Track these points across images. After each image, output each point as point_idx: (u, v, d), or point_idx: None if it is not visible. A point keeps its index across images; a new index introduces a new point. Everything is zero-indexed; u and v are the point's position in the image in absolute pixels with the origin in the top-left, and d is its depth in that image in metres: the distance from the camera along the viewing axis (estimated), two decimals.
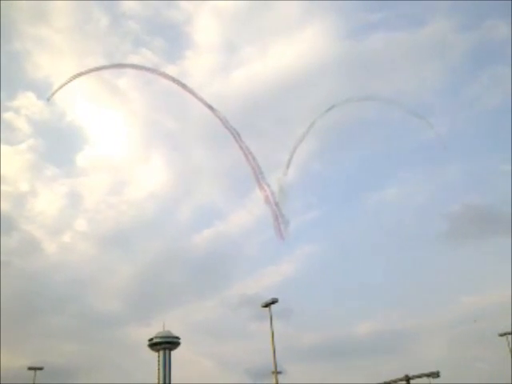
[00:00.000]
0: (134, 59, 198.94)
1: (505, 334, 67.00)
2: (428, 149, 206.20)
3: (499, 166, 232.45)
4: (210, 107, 61.15)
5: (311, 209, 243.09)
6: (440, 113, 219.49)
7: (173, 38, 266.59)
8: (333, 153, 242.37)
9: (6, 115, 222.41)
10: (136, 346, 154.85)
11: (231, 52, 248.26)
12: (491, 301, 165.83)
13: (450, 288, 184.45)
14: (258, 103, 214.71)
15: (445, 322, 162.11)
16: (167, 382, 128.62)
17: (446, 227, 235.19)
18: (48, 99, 60.77)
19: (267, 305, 43.41)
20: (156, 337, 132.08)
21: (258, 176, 62.08)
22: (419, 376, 54.59)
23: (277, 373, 43.12)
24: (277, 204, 62.18)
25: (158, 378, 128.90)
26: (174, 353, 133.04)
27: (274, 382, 42.71)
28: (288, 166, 67.37)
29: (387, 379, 57.20)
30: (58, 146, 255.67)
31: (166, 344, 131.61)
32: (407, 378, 54.21)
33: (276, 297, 43.07)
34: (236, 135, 61.51)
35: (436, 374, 52.88)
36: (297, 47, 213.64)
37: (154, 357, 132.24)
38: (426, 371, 54.21)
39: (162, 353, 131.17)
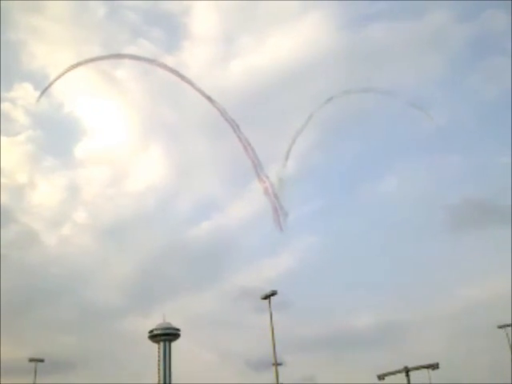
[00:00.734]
0: (131, 50, 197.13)
1: (503, 326, 67.09)
2: (427, 140, 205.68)
3: (498, 157, 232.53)
4: (209, 98, 60.63)
5: (310, 200, 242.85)
6: (439, 104, 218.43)
7: (170, 28, 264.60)
8: (332, 144, 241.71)
9: (3, 106, 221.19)
10: (135, 338, 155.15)
11: (229, 43, 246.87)
12: (490, 292, 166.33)
13: (449, 280, 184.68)
14: (256, 94, 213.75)
15: (444, 313, 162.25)
16: (167, 373, 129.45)
17: (446, 219, 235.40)
18: (37, 100, 58.95)
19: (267, 297, 43.45)
20: (156, 328, 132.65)
21: (257, 168, 61.75)
22: (418, 368, 54.77)
23: (277, 364, 43.13)
24: (276, 196, 61.95)
25: (159, 370, 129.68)
26: (174, 344, 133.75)
27: (274, 373, 42.73)
28: (287, 158, 67.04)
29: (387, 371, 57.31)
30: (56, 137, 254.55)
31: (166, 336, 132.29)
32: (406, 370, 54.41)
33: (276, 288, 43.20)
34: (235, 126, 61.10)
35: (435, 366, 52.99)
36: (295, 38, 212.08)
37: (153, 348, 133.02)
38: (426, 363, 54.32)
39: (162, 344, 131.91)
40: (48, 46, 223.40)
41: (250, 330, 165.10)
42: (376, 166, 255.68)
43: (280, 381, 43.69)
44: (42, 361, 63.83)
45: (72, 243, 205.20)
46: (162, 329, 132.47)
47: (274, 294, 42.99)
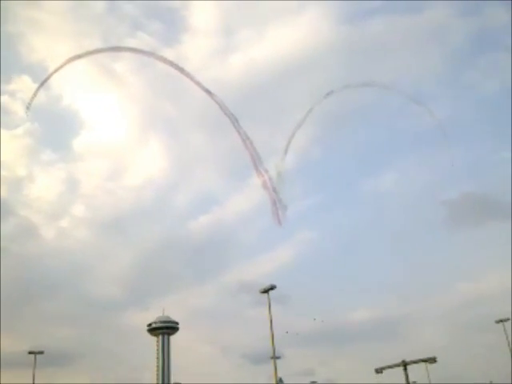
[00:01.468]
0: (130, 43, 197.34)
1: (501, 321, 67.29)
2: (427, 135, 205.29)
3: (498, 152, 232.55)
4: (208, 92, 60.31)
5: (309, 195, 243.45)
6: (439, 99, 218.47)
7: (170, 21, 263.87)
8: (331, 139, 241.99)
9: (2, 99, 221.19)
10: (134, 331, 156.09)
11: (229, 36, 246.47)
12: (489, 287, 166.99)
13: (448, 274, 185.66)
14: (255, 88, 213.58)
15: (443, 308, 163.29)
16: (166, 366, 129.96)
17: (445, 214, 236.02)
18: (27, 108, 57.28)
19: (265, 291, 43.33)
20: (155, 322, 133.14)
21: (256, 161, 61.48)
22: (416, 361, 54.88)
23: (275, 358, 43.14)
24: (275, 189, 61.74)
25: (158, 362, 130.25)
26: (172, 338, 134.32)
27: (273, 367, 42.74)
28: (286, 152, 66.78)
29: (384, 364, 57.46)
30: (55, 130, 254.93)
31: (165, 329, 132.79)
32: (404, 364, 54.48)
33: (274, 282, 43.05)
34: (234, 120, 60.83)
35: (433, 360, 53.11)
36: (295, 32, 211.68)
37: (152, 342, 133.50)
38: (423, 357, 54.44)
39: (161, 338, 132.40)
40: (47, 39, 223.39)
41: (248, 324, 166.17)
42: (375, 160, 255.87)
43: (278, 374, 43.76)
44: (41, 353, 63.84)
45: (71, 236, 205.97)
46: (160, 322, 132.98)
47: (272, 288, 42.89)
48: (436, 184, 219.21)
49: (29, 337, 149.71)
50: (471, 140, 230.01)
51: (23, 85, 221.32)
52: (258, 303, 59.04)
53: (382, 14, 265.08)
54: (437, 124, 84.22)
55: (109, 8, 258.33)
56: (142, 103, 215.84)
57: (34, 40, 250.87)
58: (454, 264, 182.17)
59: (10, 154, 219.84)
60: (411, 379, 59.13)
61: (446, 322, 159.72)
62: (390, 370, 56.96)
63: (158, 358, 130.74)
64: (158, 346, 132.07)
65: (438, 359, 52.98)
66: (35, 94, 57.94)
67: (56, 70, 58.80)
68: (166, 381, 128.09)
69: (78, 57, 58.40)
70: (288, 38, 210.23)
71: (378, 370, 57.45)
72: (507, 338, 65.47)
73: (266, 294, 43.27)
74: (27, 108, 57.73)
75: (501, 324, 66.83)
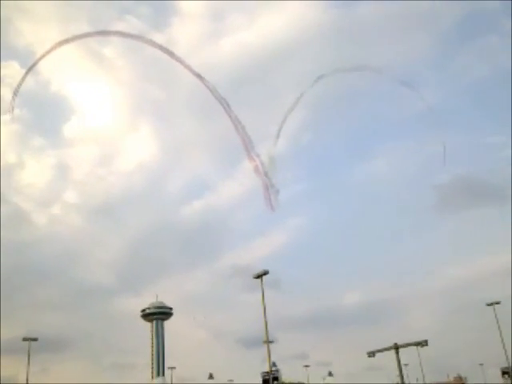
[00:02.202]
0: (119, 26, 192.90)
1: (492, 304, 68.22)
2: (418, 120, 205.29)
3: (488, 137, 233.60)
4: (199, 76, 59.31)
5: (301, 180, 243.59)
6: (430, 83, 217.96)
7: (159, 4, 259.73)
8: (323, 123, 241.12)
9: None
10: (127, 317, 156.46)
11: (219, 20, 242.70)
12: (479, 271, 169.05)
13: (438, 258, 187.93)
14: (246, 72, 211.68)
15: (433, 292, 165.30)
16: (160, 351, 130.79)
17: (436, 198, 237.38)
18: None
19: (259, 276, 43.42)
20: (149, 307, 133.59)
21: (248, 146, 60.95)
22: (408, 345, 55.39)
23: (268, 342, 43.41)
24: (267, 174, 61.33)
25: (152, 348, 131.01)
26: (166, 323, 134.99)
27: (266, 351, 43.05)
28: (278, 137, 66.22)
29: (377, 348, 57.97)
30: (45, 116, 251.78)
31: (158, 314, 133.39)
32: (396, 347, 54.95)
33: (267, 267, 43.15)
34: (225, 105, 60.00)
35: (424, 343, 53.62)
36: (285, 16, 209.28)
37: (146, 327, 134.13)
38: (415, 340, 54.96)
39: (154, 323, 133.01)
40: (34, 24, 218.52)
41: (241, 309, 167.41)
42: (366, 145, 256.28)
43: (272, 358, 44.12)
44: (35, 340, 63.91)
45: (62, 223, 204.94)
46: (154, 308, 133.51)
47: (266, 273, 42.99)
48: (427, 168, 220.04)
49: (22, 323, 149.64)
50: (462, 124, 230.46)
51: (11, 70, 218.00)
52: (251, 288, 59.25)
53: None
54: (427, 108, 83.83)
55: None
56: (132, 88, 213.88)
57: (21, 25, 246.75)
58: (445, 247, 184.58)
59: None
60: (403, 362, 59.94)
61: (437, 305, 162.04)
62: (381, 352, 57.49)
63: (152, 344, 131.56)
64: (152, 331, 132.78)
65: (429, 342, 53.53)
66: (23, 80, 56.84)
67: (44, 55, 57.57)
68: (160, 365, 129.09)
69: (66, 41, 57.11)
70: (278, 22, 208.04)
71: (370, 354, 57.98)
72: (497, 321, 66.53)
73: (259, 280, 43.42)
74: (15, 94, 56.56)
75: (491, 307, 67.94)
